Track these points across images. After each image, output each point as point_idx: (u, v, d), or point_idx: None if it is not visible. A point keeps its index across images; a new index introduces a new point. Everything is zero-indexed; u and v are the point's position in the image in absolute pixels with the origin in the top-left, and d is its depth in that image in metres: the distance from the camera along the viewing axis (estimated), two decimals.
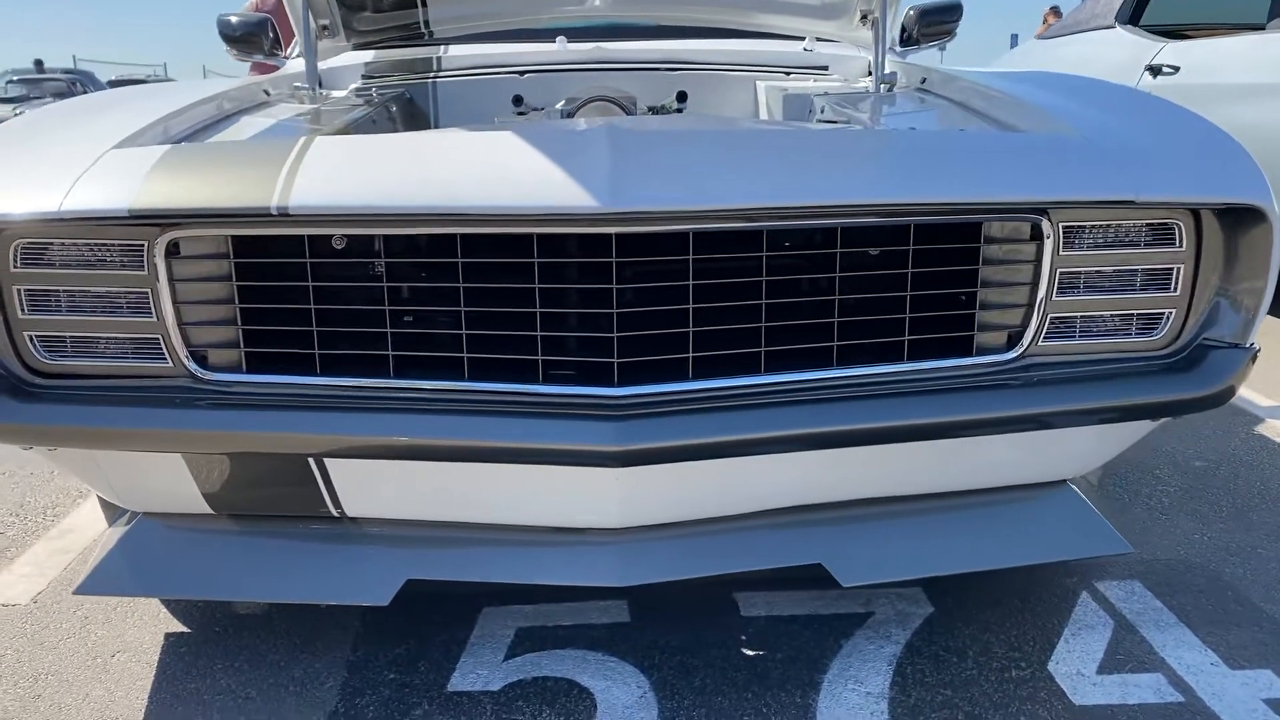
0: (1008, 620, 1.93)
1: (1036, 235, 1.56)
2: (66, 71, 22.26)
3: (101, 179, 1.47)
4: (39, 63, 21.83)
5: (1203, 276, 1.62)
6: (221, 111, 2.09)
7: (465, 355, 1.50)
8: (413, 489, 1.59)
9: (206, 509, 1.66)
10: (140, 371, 1.56)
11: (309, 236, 1.48)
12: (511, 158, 1.43)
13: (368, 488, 1.59)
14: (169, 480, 1.60)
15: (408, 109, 2.86)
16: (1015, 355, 1.60)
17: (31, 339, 1.55)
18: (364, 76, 2.97)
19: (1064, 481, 1.78)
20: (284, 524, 1.69)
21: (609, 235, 1.42)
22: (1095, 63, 5.04)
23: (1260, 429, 2.94)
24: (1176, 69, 4.33)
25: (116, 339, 1.55)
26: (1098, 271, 1.59)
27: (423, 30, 2.71)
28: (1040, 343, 1.61)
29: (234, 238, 1.49)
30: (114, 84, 25.71)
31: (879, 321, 1.56)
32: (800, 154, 1.48)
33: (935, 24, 3.51)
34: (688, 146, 1.47)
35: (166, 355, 1.54)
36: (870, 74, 2.67)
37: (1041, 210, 1.53)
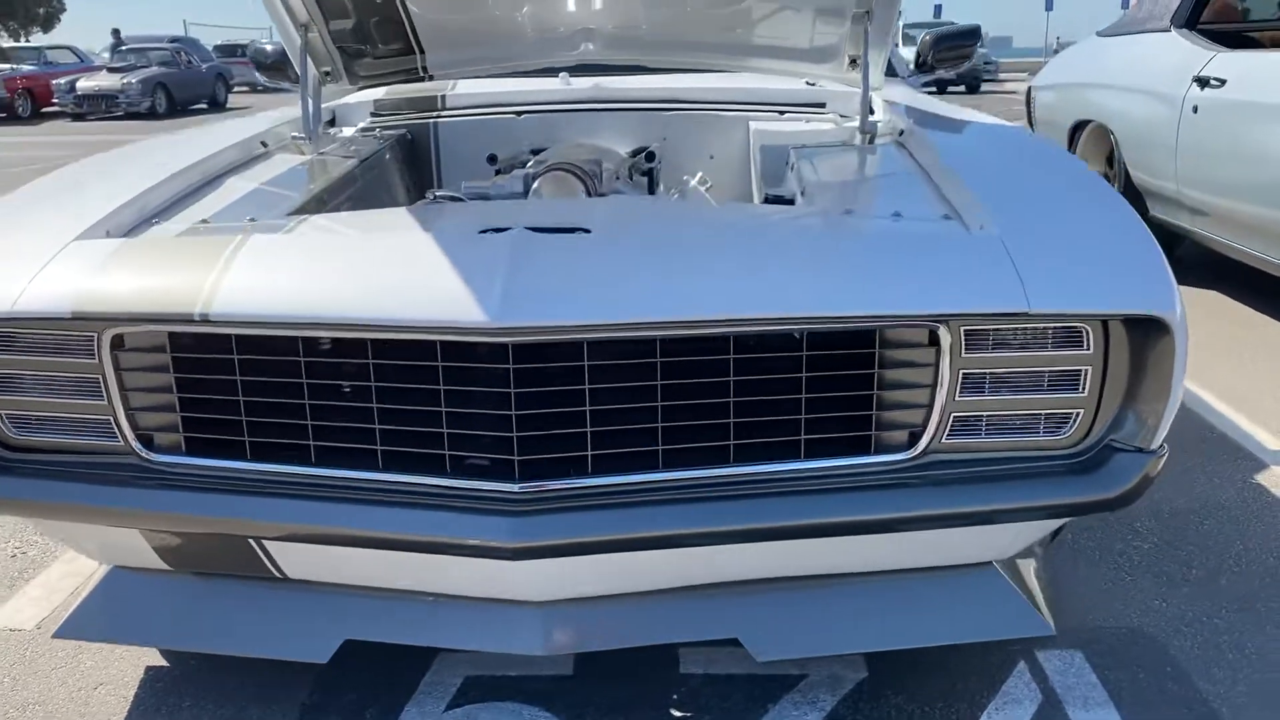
0: (938, 690, 1.98)
1: (935, 340, 1.59)
2: (173, 40, 23.05)
3: (53, 278, 1.61)
4: (116, 33, 22.59)
5: (1111, 378, 1.63)
6: (206, 176, 2.22)
7: (379, 448, 1.61)
8: (345, 561, 1.70)
9: (164, 565, 1.80)
10: (97, 449, 1.70)
11: (235, 335, 1.59)
12: (418, 271, 1.52)
13: (304, 558, 1.71)
14: (127, 541, 1.74)
15: (409, 149, 2.97)
16: (915, 454, 1.64)
17: (2, 418, 1.70)
18: (372, 114, 3.08)
19: (988, 561, 1.81)
20: (235, 580, 1.82)
21: (505, 344, 1.50)
22: (1148, 67, 4.90)
23: (1260, 476, 2.89)
24: (1223, 82, 4.19)
25: (74, 419, 1.69)
26: (1001, 373, 1.62)
27: (421, 75, 2.81)
28: (943, 440, 1.64)
29: (170, 334, 1.62)
30: (219, 50, 26.48)
31: (774, 421, 1.61)
32: (690, 270, 1.53)
33: (952, 49, 3.48)
34: (579, 263, 1.54)
35: (118, 436, 1.67)
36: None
37: (939, 318, 1.56)
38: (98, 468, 1.69)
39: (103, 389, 1.65)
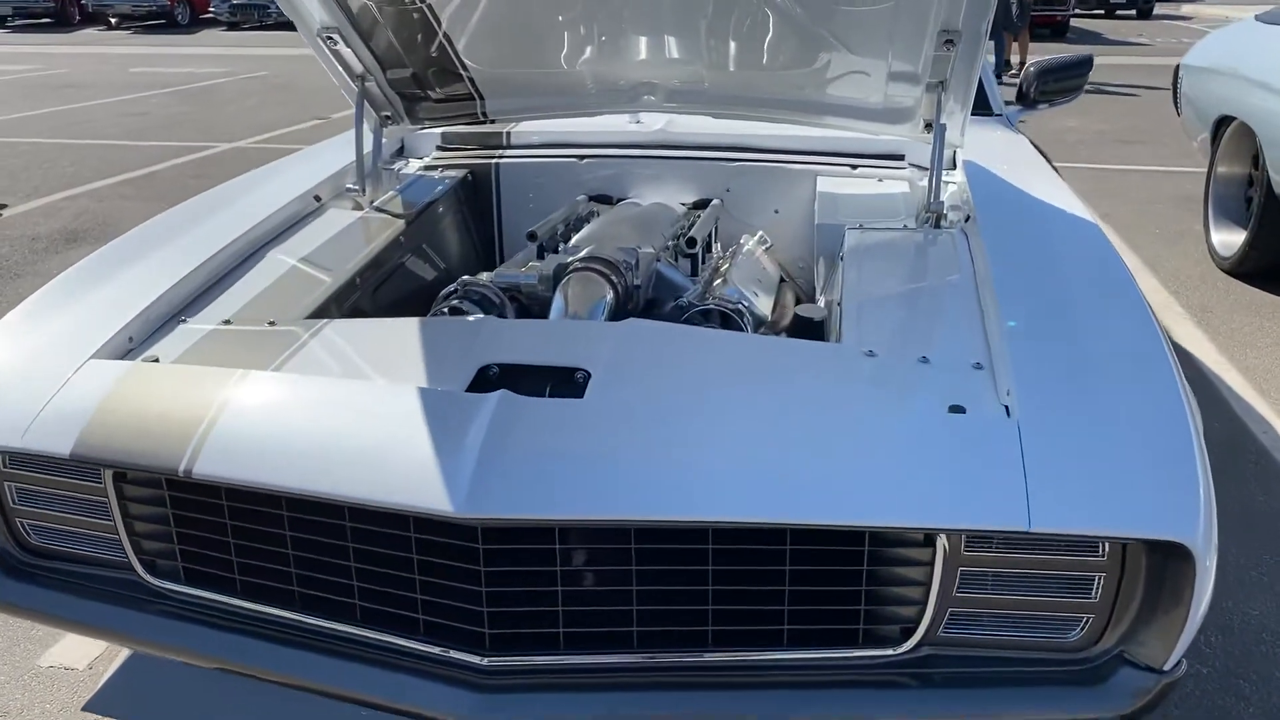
0: None
1: (931, 539, 1.49)
2: None
3: (59, 412, 1.65)
4: None
5: (1127, 585, 1.51)
6: (252, 245, 2.24)
7: (357, 603, 1.61)
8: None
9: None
10: (106, 564, 1.76)
11: (223, 486, 1.61)
12: (392, 449, 1.50)
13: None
14: None
15: (470, 191, 2.94)
16: (907, 649, 1.56)
17: (23, 524, 1.78)
18: (438, 146, 3.05)
19: None
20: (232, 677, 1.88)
21: (475, 526, 1.48)
22: None
23: None
24: None
25: (86, 535, 1.76)
26: (1005, 572, 1.51)
27: (481, 118, 2.75)
28: (939, 634, 1.55)
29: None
30: None
31: (756, 610, 1.55)
32: (673, 464, 1.47)
33: (1062, 80, 3.24)
34: (558, 447, 1.49)
35: (123, 557, 1.73)
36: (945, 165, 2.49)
37: (934, 530, 1.46)
38: (105, 584, 1.75)
39: (109, 513, 1.70)
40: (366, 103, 2.65)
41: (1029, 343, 1.72)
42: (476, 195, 2.95)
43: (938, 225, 2.37)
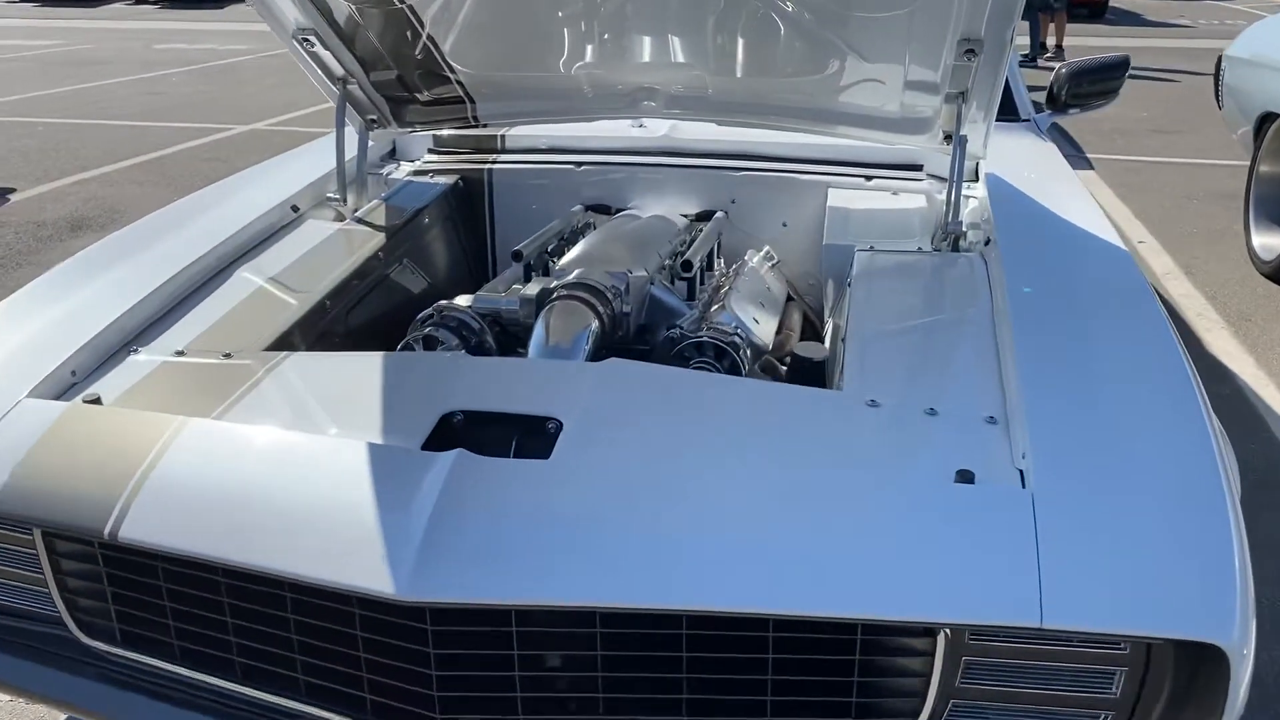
0: None
1: (931, 630, 1.33)
2: None
3: None
4: None
5: (1152, 682, 1.34)
6: (221, 262, 2.11)
7: (300, 678, 1.48)
8: None
9: None
10: (40, 618, 1.63)
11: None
12: (332, 522, 1.36)
13: None
14: None
15: (462, 198, 2.78)
16: None
17: None
18: (430, 149, 2.90)
19: None
20: None
21: (423, 609, 1.33)
22: None
23: None
24: None
25: (21, 590, 1.63)
26: (1014, 664, 1.35)
27: (473, 122, 2.60)
28: None
29: None
30: None
31: (735, 700, 1.40)
32: (641, 548, 1.31)
33: (1096, 84, 3.04)
34: (515, 517, 1.34)
35: (58, 616, 1.60)
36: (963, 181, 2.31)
37: (936, 625, 1.30)
38: (36, 640, 1.63)
39: (40, 568, 1.57)
40: (351, 105, 2.50)
41: (1048, 396, 1.55)
42: (468, 203, 2.80)
43: (955, 248, 2.20)
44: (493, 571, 1.29)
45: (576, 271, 2.11)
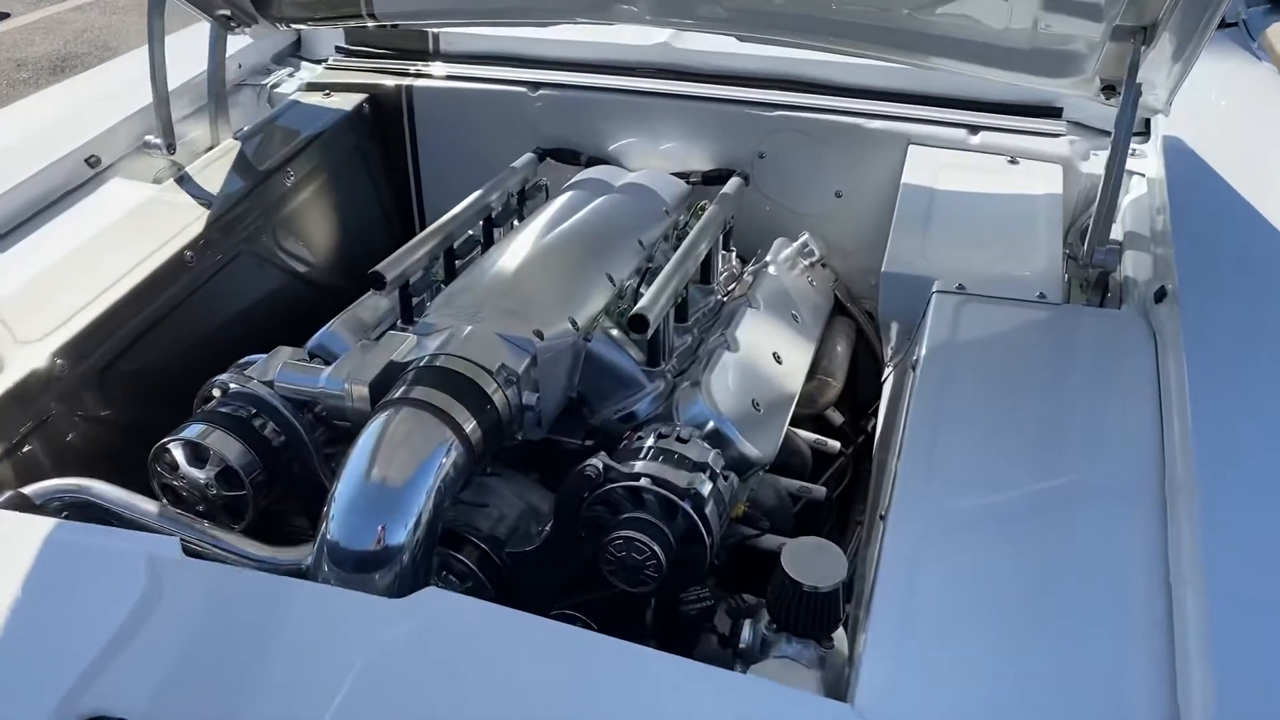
0: None
1: None
2: None
3: None
4: None
5: None
6: None
7: None
8: None
9: None
10: None
11: None
12: None
13: None
14: None
15: (371, 125, 1.94)
16: None
17: None
18: (337, 49, 2.05)
19: None
20: None
21: None
22: None
23: None
24: None
25: None
26: None
27: (363, 17, 1.72)
28: None
29: None
30: None
31: None
32: None
33: None
34: None
35: None
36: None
37: None
38: None
39: None
40: None
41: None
42: (380, 135, 1.96)
43: (1102, 300, 1.32)
44: None
45: (452, 332, 1.29)
